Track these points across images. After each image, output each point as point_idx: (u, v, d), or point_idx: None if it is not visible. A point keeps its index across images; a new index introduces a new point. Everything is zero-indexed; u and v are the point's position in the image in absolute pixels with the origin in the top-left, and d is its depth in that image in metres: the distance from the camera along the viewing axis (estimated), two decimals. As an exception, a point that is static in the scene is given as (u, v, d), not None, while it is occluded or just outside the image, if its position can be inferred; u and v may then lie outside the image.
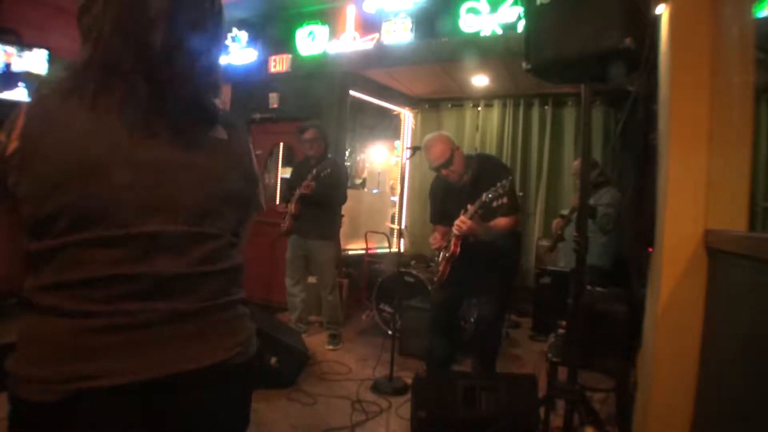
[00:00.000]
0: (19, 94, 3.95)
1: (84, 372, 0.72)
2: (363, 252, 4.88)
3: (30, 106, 0.76)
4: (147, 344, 0.75)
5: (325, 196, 3.50)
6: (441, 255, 2.68)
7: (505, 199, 2.30)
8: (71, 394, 0.71)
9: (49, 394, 0.71)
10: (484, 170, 2.59)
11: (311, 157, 3.63)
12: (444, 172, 2.60)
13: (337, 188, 3.59)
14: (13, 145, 0.73)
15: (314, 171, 3.46)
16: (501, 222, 2.52)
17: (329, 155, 3.75)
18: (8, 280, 0.81)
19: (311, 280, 3.93)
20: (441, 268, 2.64)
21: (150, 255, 0.76)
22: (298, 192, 3.52)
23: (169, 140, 0.79)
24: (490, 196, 2.33)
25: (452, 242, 2.54)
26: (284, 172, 5.10)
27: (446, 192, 2.74)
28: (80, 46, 0.78)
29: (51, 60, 4.09)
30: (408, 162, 4.54)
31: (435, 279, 2.74)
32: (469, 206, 2.45)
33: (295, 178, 3.68)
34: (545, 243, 4.54)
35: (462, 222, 2.44)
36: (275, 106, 5.05)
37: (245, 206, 0.93)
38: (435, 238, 2.72)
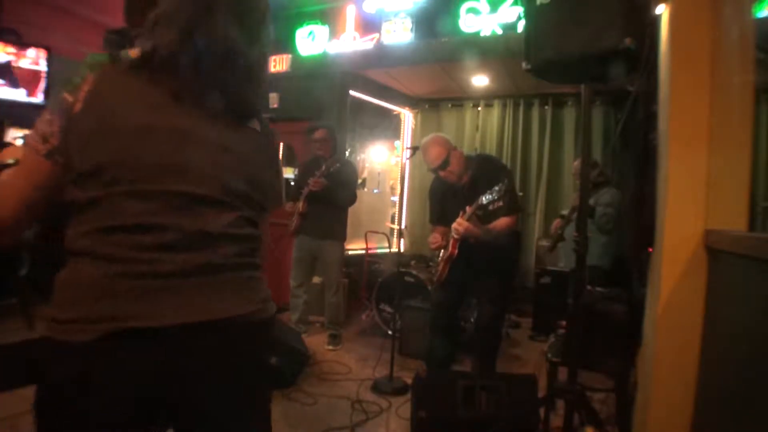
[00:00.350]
0: (19, 94, 3.95)
1: (120, 313, 0.77)
2: (363, 252, 4.88)
3: (97, 74, 0.84)
4: (180, 291, 0.81)
5: (334, 193, 3.48)
6: (440, 255, 2.68)
7: (501, 203, 2.31)
8: (105, 334, 0.76)
9: (84, 334, 0.76)
10: (483, 171, 2.60)
11: (320, 157, 3.62)
12: (442, 173, 2.62)
13: (346, 186, 3.57)
14: (78, 106, 0.82)
15: (323, 168, 3.45)
16: (501, 222, 2.52)
17: (337, 156, 3.74)
18: (12, 222, 0.86)
19: (315, 280, 3.91)
20: (440, 268, 2.64)
21: (182, 211, 0.84)
22: (306, 189, 3.51)
23: (211, 120, 0.89)
24: (487, 199, 2.34)
25: (451, 243, 2.54)
26: (285, 172, 5.10)
27: (445, 193, 2.75)
28: (145, 33, 0.86)
29: (51, 60, 4.09)
30: (408, 162, 4.53)
31: (434, 279, 2.74)
32: (467, 208, 2.46)
33: (303, 177, 3.66)
34: (545, 243, 4.54)
35: (459, 224, 2.45)
36: (275, 106, 5.05)
37: (268, 193, 1.00)
38: (434, 238, 2.72)
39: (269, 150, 1.02)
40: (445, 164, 2.57)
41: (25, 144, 0.86)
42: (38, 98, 4.00)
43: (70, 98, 0.83)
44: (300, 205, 3.56)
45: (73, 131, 0.82)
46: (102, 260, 0.79)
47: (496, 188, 2.33)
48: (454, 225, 2.46)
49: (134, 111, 0.83)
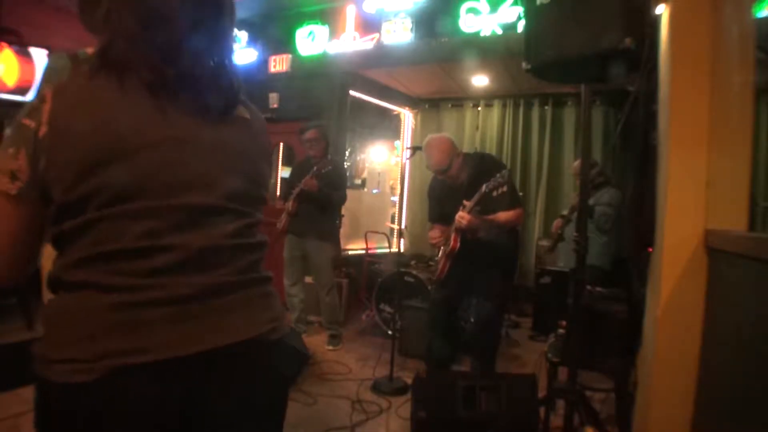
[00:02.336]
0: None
1: (123, 347, 0.70)
2: (363, 252, 4.88)
3: (56, 90, 0.74)
4: (186, 318, 0.74)
5: (325, 194, 3.49)
6: (441, 251, 2.68)
7: (504, 188, 2.30)
8: (110, 371, 0.69)
9: (86, 374, 0.68)
10: (481, 168, 2.60)
11: (312, 157, 3.63)
12: (440, 176, 2.66)
13: (337, 187, 3.58)
14: (44, 129, 0.72)
15: (314, 169, 3.45)
16: (503, 216, 2.52)
17: (329, 156, 3.75)
18: (16, 269, 0.78)
19: (308, 280, 3.92)
20: (441, 264, 2.64)
21: (184, 227, 0.75)
22: (297, 189, 3.51)
23: (196, 118, 0.80)
24: (489, 186, 2.34)
25: (452, 237, 2.54)
26: (283, 171, 5.10)
27: (444, 191, 2.75)
28: (98, 36, 0.78)
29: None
30: (408, 162, 4.53)
31: (435, 275, 2.74)
32: (466, 202, 2.45)
33: (295, 177, 3.67)
34: (545, 243, 4.54)
35: (461, 218, 2.44)
36: (275, 106, 5.05)
37: (265, 184, 0.93)
38: (434, 234, 2.73)
39: (262, 137, 0.93)
40: (445, 170, 2.61)
41: None
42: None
43: (31, 123, 0.72)
44: (290, 205, 3.56)
45: (45, 158, 0.72)
46: (100, 290, 0.71)
47: (498, 174, 2.33)
48: (457, 218, 2.46)
49: (111, 122, 0.73)
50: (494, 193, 2.34)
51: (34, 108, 0.72)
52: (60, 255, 0.75)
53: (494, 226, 2.52)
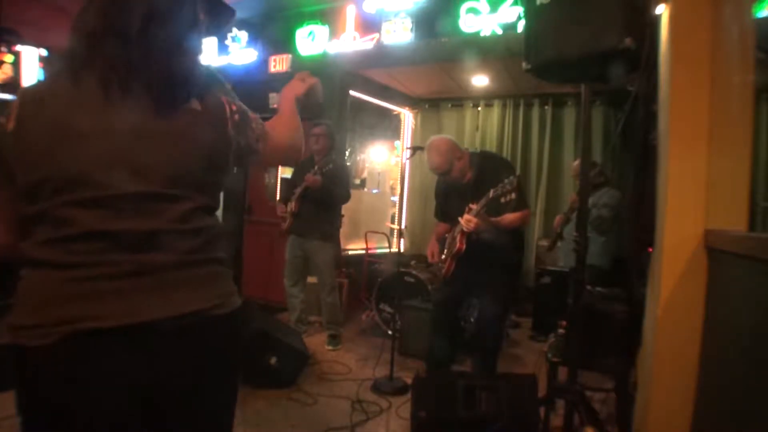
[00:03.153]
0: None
1: (77, 315, 0.79)
2: (363, 252, 4.88)
3: (24, 91, 0.87)
4: (134, 291, 0.83)
5: (328, 191, 3.47)
6: (445, 252, 2.68)
7: (513, 195, 2.30)
8: (66, 336, 0.78)
9: (46, 338, 0.78)
10: (487, 168, 2.60)
11: (314, 154, 3.61)
12: (442, 178, 2.66)
13: (340, 185, 3.57)
14: (11, 125, 0.84)
15: (316, 167, 3.45)
16: (509, 217, 2.52)
17: (332, 155, 3.74)
18: (7, 247, 0.90)
19: (311, 280, 3.92)
20: (446, 265, 2.64)
21: (128, 213, 0.83)
22: (299, 189, 3.50)
23: (146, 110, 0.86)
24: (497, 192, 2.33)
25: (458, 239, 2.55)
26: (284, 172, 5.10)
27: (449, 190, 2.76)
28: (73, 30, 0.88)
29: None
30: (408, 162, 4.53)
31: (440, 275, 2.73)
32: (472, 205, 2.45)
33: (297, 176, 3.67)
34: (545, 243, 4.54)
35: (468, 221, 2.43)
36: (275, 106, 5.03)
37: (218, 171, 0.97)
38: (431, 251, 2.73)
39: (216, 127, 0.95)
40: (445, 173, 2.62)
41: None
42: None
43: (2, 120, 0.85)
44: (293, 204, 3.55)
45: (8, 149, 0.84)
46: (57, 268, 0.81)
47: (507, 181, 2.32)
48: (463, 221, 2.45)
49: (71, 117, 0.82)
50: (502, 200, 2.33)
51: (8, 106, 0.85)
52: (25, 236, 0.85)
53: (500, 227, 2.52)
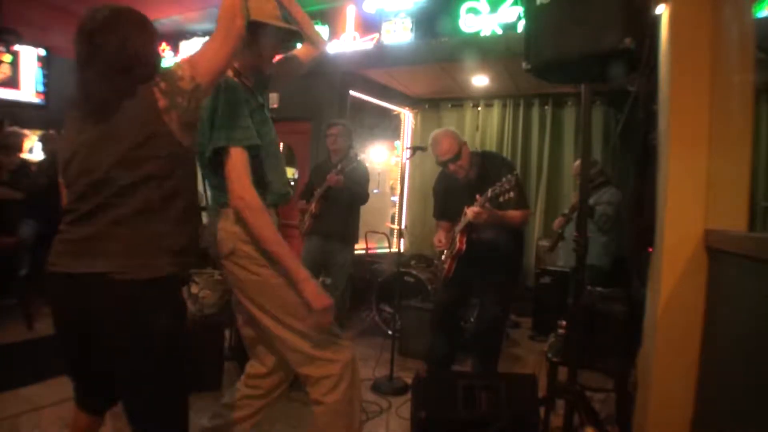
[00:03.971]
0: (19, 95, 3.96)
1: (49, 261, 1.23)
2: (363, 252, 4.88)
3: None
4: (72, 251, 1.20)
5: (350, 191, 3.40)
6: (446, 253, 2.68)
7: (512, 194, 2.29)
8: (48, 273, 1.23)
9: (47, 271, 1.24)
10: (489, 167, 2.60)
11: (332, 154, 3.56)
12: (452, 167, 2.58)
13: (361, 184, 3.51)
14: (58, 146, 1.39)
15: (339, 166, 3.36)
16: (512, 213, 2.51)
17: (352, 155, 3.67)
18: None
19: (322, 280, 3.87)
20: (447, 265, 2.64)
21: (81, 198, 1.21)
22: (320, 190, 3.41)
23: (92, 126, 1.21)
24: (495, 191, 2.33)
25: (458, 239, 2.54)
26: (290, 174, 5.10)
27: (449, 189, 2.75)
28: None
29: (49, 59, 4.09)
30: (408, 162, 4.53)
31: (442, 275, 2.73)
32: (477, 197, 2.43)
33: (316, 178, 3.58)
34: (545, 243, 4.54)
35: (477, 213, 2.39)
36: (275, 106, 5.05)
37: (145, 158, 1.19)
38: (439, 237, 2.72)
39: (135, 125, 1.18)
40: (456, 157, 2.55)
41: None
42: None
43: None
44: (313, 206, 3.47)
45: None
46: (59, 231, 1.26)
47: (504, 180, 2.31)
48: (470, 212, 2.42)
49: (65, 142, 1.28)
50: (500, 199, 2.32)
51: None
52: None
53: (504, 222, 2.50)
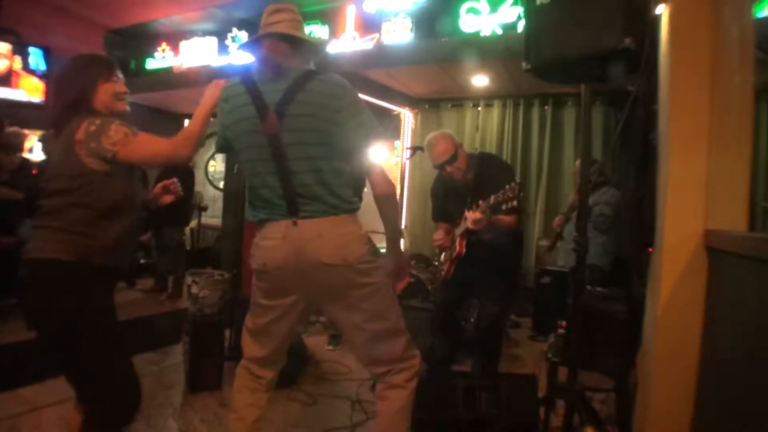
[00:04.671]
0: (18, 94, 3.96)
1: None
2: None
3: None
4: (31, 240, 1.52)
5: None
6: (445, 255, 2.68)
7: (515, 203, 2.29)
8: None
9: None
10: (487, 169, 2.60)
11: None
12: (449, 168, 2.58)
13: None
14: None
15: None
16: (505, 218, 2.52)
17: None
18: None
19: None
20: (446, 267, 2.64)
21: (43, 202, 1.52)
22: None
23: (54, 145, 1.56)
24: (499, 199, 2.32)
25: (457, 242, 2.54)
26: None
27: (447, 191, 2.75)
28: None
29: (49, 59, 4.09)
30: (408, 162, 4.54)
31: (440, 278, 2.73)
32: (480, 202, 2.44)
33: None
34: (545, 243, 4.54)
35: (477, 220, 2.40)
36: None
37: (69, 175, 1.48)
38: (439, 235, 2.72)
39: (68, 146, 1.48)
40: (452, 159, 2.55)
41: None
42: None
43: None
44: None
45: None
46: None
47: (508, 187, 2.31)
48: (470, 218, 2.43)
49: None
50: (504, 207, 2.32)
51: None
52: None
53: (497, 225, 2.51)
